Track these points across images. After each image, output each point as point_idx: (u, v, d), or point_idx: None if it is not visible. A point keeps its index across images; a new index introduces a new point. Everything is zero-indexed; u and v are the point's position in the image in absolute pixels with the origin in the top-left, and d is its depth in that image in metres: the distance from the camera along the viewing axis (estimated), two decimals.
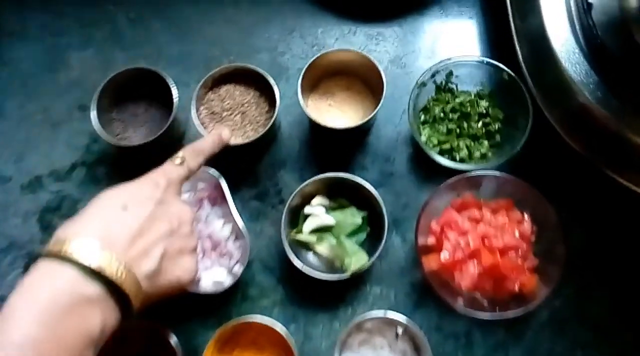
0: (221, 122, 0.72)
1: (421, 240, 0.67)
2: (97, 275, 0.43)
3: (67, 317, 0.41)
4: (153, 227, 0.49)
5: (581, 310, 0.68)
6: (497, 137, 0.71)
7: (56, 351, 0.40)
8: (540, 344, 0.67)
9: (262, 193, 0.75)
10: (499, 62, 0.71)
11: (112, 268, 0.44)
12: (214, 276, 0.69)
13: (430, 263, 0.65)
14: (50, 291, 0.42)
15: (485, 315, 0.62)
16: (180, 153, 0.59)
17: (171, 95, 0.71)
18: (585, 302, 0.68)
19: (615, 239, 0.70)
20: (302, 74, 0.71)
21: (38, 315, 0.40)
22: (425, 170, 0.74)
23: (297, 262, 0.66)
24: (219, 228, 0.70)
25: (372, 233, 0.70)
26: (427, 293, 0.69)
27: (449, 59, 0.71)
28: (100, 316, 0.43)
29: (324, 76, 0.77)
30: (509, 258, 0.63)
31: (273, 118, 0.69)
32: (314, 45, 0.81)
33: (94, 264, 0.43)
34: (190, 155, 0.59)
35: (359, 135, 0.76)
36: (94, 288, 0.43)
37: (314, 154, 0.76)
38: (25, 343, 0.39)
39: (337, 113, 0.76)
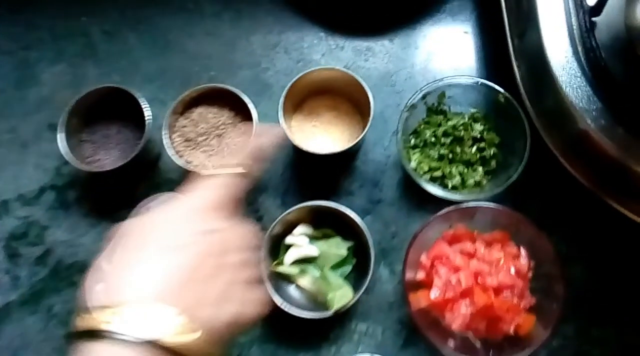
0: (197, 149, 0.68)
1: (409, 275, 0.62)
2: (163, 347, 0.34)
3: None
4: (225, 262, 0.40)
5: (582, 353, 0.63)
6: (493, 163, 0.67)
7: None
8: None
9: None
10: (496, 82, 0.66)
11: (179, 335, 0.34)
12: None
13: (418, 300, 0.61)
14: None
15: None
16: (239, 160, 0.46)
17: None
18: (587, 343, 0.63)
19: (619, 275, 0.65)
20: (283, 95, 0.66)
21: None
22: (416, 197, 0.69)
23: (276, 298, 0.62)
24: None
25: (359, 265, 0.66)
26: (418, 331, 0.64)
27: (441, 80, 0.66)
28: None
29: (309, 95, 0.72)
30: (504, 297, 0.59)
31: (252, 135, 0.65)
32: (299, 61, 0.76)
33: (155, 337, 0.33)
34: (254, 159, 0.46)
35: (345, 159, 0.72)
36: None
37: (298, 178, 0.72)
38: None
39: (322, 135, 0.71)
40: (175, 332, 0.34)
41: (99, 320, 0.34)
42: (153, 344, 0.33)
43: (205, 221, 0.41)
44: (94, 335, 0.34)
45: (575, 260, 0.66)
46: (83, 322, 0.35)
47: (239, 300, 0.40)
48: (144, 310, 0.34)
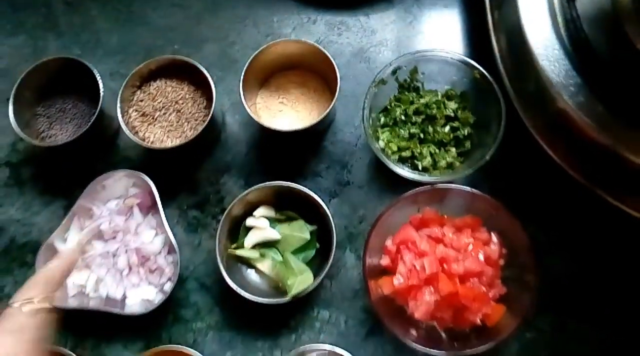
0: (154, 124, 0.64)
1: (374, 260, 0.59)
2: None
3: None
4: None
5: (556, 347, 0.59)
6: (467, 144, 0.62)
7: None
8: None
9: (202, 202, 0.67)
10: (475, 59, 0.62)
11: None
12: (142, 295, 0.62)
13: (381, 287, 0.57)
14: None
15: (440, 353, 0.53)
16: (25, 294, 0.46)
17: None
18: (562, 337, 0.59)
19: (598, 264, 0.61)
20: (245, 68, 0.63)
21: None
22: (387, 180, 0.65)
23: (232, 283, 0.58)
24: (149, 240, 0.63)
25: (323, 251, 0.62)
26: (380, 320, 0.61)
27: (413, 53, 0.62)
28: None
29: (276, 71, 0.68)
30: (471, 285, 0.55)
31: (211, 112, 0.61)
32: (268, 35, 0.72)
33: None
34: (42, 288, 0.48)
35: (312, 138, 0.68)
36: None
37: (263, 159, 0.68)
38: None
39: (289, 112, 0.67)
40: None
41: None
42: None
43: None
44: None
45: (553, 249, 0.62)
46: None
47: None
48: None
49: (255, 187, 0.61)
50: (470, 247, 0.57)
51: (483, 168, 0.60)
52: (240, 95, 0.62)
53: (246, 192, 0.61)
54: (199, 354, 0.56)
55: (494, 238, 0.58)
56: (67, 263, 0.53)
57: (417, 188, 0.58)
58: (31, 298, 0.46)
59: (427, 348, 0.53)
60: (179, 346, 0.57)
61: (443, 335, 0.56)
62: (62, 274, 0.52)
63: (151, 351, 0.57)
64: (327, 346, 0.56)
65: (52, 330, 0.46)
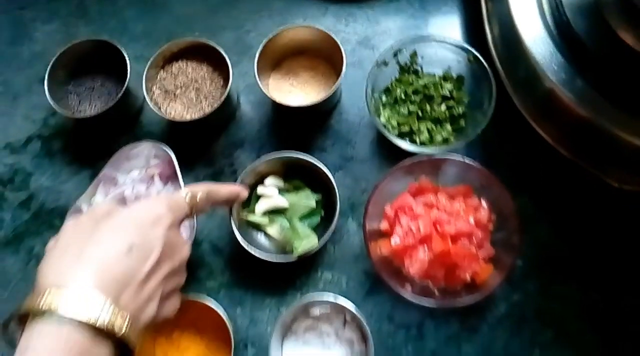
0: (175, 100, 0.70)
1: (374, 225, 0.64)
2: (104, 334, 0.40)
3: None
4: (159, 271, 0.45)
5: (542, 307, 0.63)
6: (462, 122, 0.68)
7: None
8: (495, 340, 0.63)
9: (217, 173, 0.72)
10: (471, 45, 0.68)
11: (120, 325, 0.40)
12: None
13: (380, 248, 0.62)
14: None
15: (433, 303, 0.58)
16: (192, 190, 0.53)
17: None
18: (547, 299, 0.64)
19: (583, 233, 0.66)
20: (259, 50, 0.69)
21: None
22: (387, 156, 0.71)
23: (242, 241, 0.64)
24: None
25: (327, 218, 0.67)
26: (380, 282, 0.65)
27: (413, 37, 0.68)
28: None
29: (287, 55, 0.74)
30: (462, 245, 0.60)
31: (227, 90, 0.67)
32: (282, 24, 0.78)
33: (101, 323, 0.39)
34: (203, 197, 0.53)
35: (320, 117, 0.74)
36: (102, 349, 0.40)
37: (274, 135, 0.74)
38: None
39: (299, 94, 0.73)
40: (105, 318, 0.39)
41: (39, 301, 0.39)
42: (84, 325, 0.39)
43: (152, 229, 0.46)
44: (33, 314, 0.39)
45: (541, 220, 0.66)
46: (26, 303, 0.40)
47: (161, 303, 0.46)
48: (82, 294, 0.39)
49: (266, 157, 0.67)
50: (462, 212, 0.62)
51: (476, 144, 0.66)
52: (255, 75, 0.68)
53: (257, 161, 0.66)
54: (215, 302, 0.61)
55: (484, 204, 0.63)
56: (233, 191, 0.59)
57: (414, 157, 0.63)
58: (192, 196, 0.52)
59: (423, 298, 0.58)
60: (198, 294, 0.62)
61: (436, 292, 0.61)
62: (225, 195, 0.57)
63: None
64: (331, 297, 0.60)
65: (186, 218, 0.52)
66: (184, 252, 0.50)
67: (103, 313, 0.39)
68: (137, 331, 0.42)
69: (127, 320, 0.41)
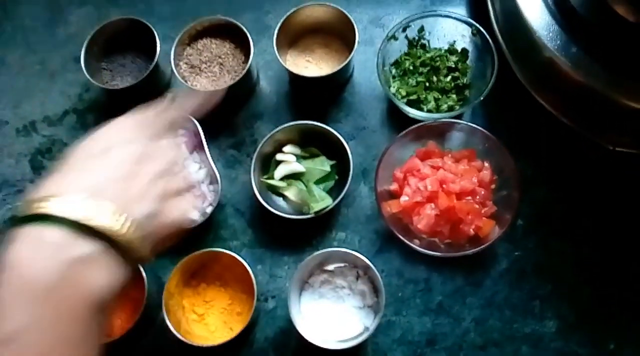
0: (200, 74, 0.76)
1: (384, 187, 0.69)
2: (88, 229, 0.36)
3: (62, 289, 0.35)
4: (145, 166, 0.42)
5: (541, 263, 0.68)
6: (466, 92, 0.73)
7: (58, 331, 0.35)
8: (497, 293, 0.68)
9: (238, 143, 0.78)
10: (475, 20, 0.73)
11: (105, 217, 0.37)
12: None
13: (390, 207, 0.67)
14: (35, 264, 0.35)
15: (441, 254, 0.63)
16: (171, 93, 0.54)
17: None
18: (546, 254, 0.69)
19: (579, 193, 0.70)
20: (277, 28, 0.74)
21: (27, 300, 0.34)
22: (398, 126, 0.76)
23: (265, 204, 0.69)
24: (195, 171, 0.74)
25: (340, 182, 0.73)
26: (390, 240, 0.71)
27: (421, 13, 0.73)
28: (102, 276, 0.37)
29: (303, 33, 0.80)
30: (466, 202, 0.65)
31: (249, 64, 0.72)
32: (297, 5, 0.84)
33: (81, 217, 0.36)
34: (183, 95, 0.52)
35: (334, 90, 0.79)
36: (87, 246, 0.36)
37: (291, 108, 0.79)
38: (20, 332, 0.34)
39: (314, 69, 0.79)
40: (106, 218, 0.37)
41: (36, 205, 0.37)
42: (85, 227, 0.36)
43: (143, 131, 0.45)
44: (30, 219, 0.36)
45: (539, 182, 0.71)
46: (22, 208, 0.37)
47: (166, 204, 0.43)
48: (78, 198, 0.37)
49: (284, 125, 0.72)
50: (466, 172, 0.67)
51: (479, 112, 0.71)
52: (274, 49, 0.73)
53: (276, 129, 0.72)
54: (238, 256, 0.66)
55: (486, 165, 0.68)
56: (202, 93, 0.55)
57: (420, 123, 0.68)
58: (172, 95, 0.51)
59: (431, 251, 0.63)
60: (222, 249, 0.67)
61: (442, 246, 0.66)
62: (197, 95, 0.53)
63: (194, 254, 0.67)
64: (347, 250, 0.65)
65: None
66: (169, 153, 0.46)
67: (86, 208, 0.37)
68: (132, 227, 0.39)
69: (115, 214, 0.38)
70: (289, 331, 0.68)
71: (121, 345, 0.65)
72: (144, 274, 0.65)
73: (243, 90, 0.78)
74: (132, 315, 0.66)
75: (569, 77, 0.64)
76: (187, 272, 0.68)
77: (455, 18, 0.72)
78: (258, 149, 0.71)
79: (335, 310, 0.66)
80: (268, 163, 0.75)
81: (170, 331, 0.63)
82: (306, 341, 0.62)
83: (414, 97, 0.72)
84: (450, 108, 0.72)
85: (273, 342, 0.68)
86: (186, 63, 0.77)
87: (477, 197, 0.66)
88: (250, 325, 0.65)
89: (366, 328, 0.64)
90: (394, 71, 0.75)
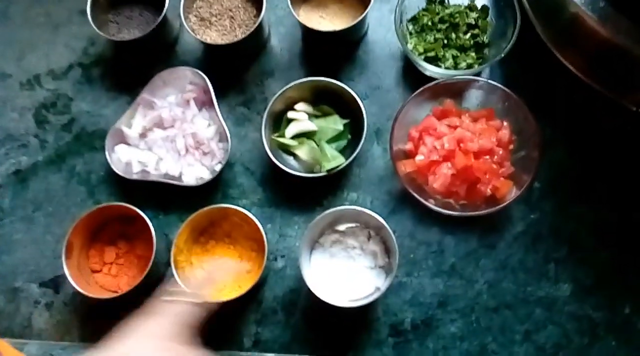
0: (210, 28, 0.74)
1: (399, 146, 0.67)
2: None
3: None
4: None
5: (557, 225, 0.67)
6: (485, 51, 0.71)
7: None
8: (512, 256, 0.67)
9: (248, 100, 0.76)
10: None
11: None
12: (196, 173, 0.71)
13: (404, 166, 0.65)
14: None
15: (456, 213, 0.62)
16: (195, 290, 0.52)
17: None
18: (562, 218, 0.67)
19: (598, 156, 0.69)
20: None
21: None
22: (413, 85, 0.73)
23: (277, 162, 0.67)
24: (204, 128, 0.72)
25: (353, 142, 0.71)
26: (403, 202, 0.69)
27: None
28: None
29: None
30: (484, 161, 0.63)
31: (260, 18, 0.70)
32: None
33: None
34: (177, 290, 0.53)
35: (348, 47, 0.76)
36: None
37: (303, 65, 0.77)
38: None
39: (328, 25, 0.76)
40: None
41: None
42: None
43: (163, 349, 0.45)
44: None
45: (558, 144, 0.69)
46: None
47: None
48: None
49: (295, 82, 0.70)
50: (485, 131, 0.65)
51: (498, 72, 0.69)
52: (288, 3, 0.71)
53: (288, 86, 0.70)
54: (249, 212, 0.65)
55: (505, 124, 0.66)
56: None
57: (439, 80, 0.66)
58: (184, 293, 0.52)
59: (446, 210, 0.62)
60: (233, 206, 0.66)
61: (457, 207, 0.65)
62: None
63: (203, 210, 0.66)
64: (360, 208, 0.64)
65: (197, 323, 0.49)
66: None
67: None
68: None
69: None
70: (298, 291, 0.67)
71: (128, 301, 0.63)
72: (152, 232, 0.64)
73: (254, 44, 0.76)
74: (140, 272, 0.65)
75: (595, 34, 0.61)
76: (196, 229, 0.67)
77: None
78: (269, 106, 0.69)
79: (346, 269, 0.65)
80: (279, 122, 0.73)
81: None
82: (316, 300, 0.60)
83: (431, 54, 0.70)
84: (469, 67, 0.69)
85: (282, 301, 0.67)
86: (196, 15, 0.74)
87: (495, 157, 0.64)
88: (259, 283, 0.64)
89: (377, 289, 0.63)
90: (411, 27, 0.72)
